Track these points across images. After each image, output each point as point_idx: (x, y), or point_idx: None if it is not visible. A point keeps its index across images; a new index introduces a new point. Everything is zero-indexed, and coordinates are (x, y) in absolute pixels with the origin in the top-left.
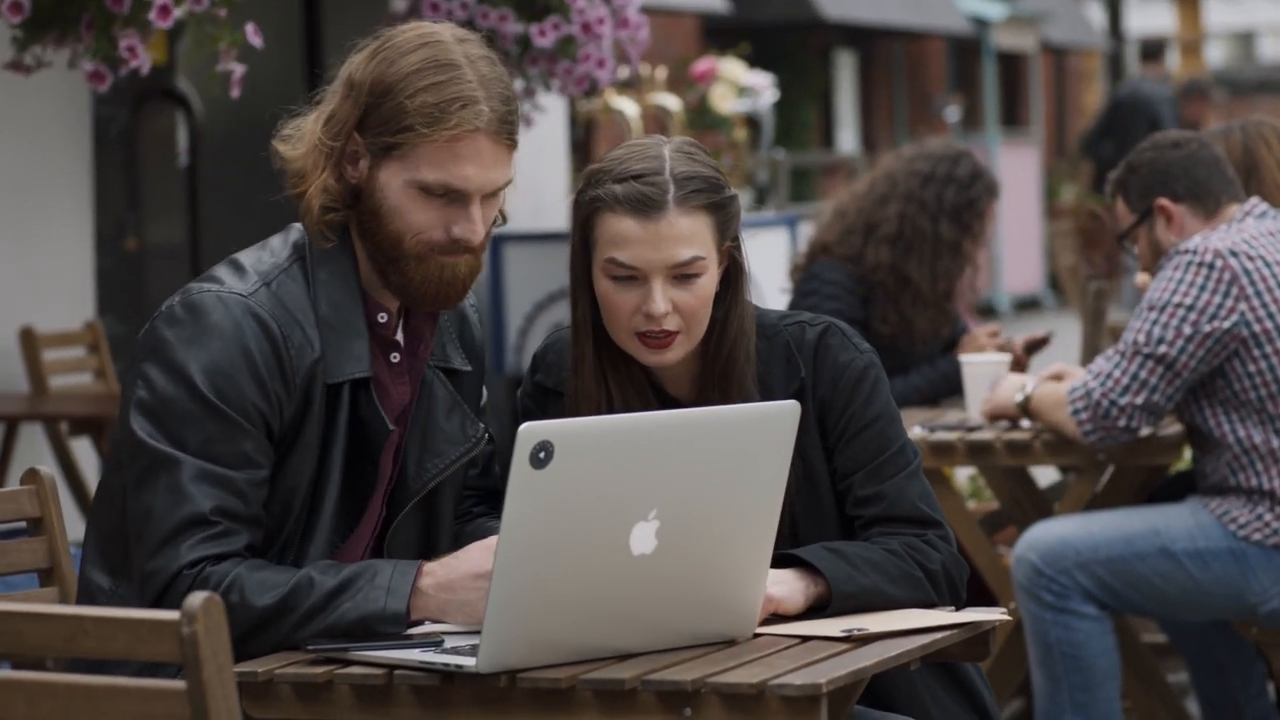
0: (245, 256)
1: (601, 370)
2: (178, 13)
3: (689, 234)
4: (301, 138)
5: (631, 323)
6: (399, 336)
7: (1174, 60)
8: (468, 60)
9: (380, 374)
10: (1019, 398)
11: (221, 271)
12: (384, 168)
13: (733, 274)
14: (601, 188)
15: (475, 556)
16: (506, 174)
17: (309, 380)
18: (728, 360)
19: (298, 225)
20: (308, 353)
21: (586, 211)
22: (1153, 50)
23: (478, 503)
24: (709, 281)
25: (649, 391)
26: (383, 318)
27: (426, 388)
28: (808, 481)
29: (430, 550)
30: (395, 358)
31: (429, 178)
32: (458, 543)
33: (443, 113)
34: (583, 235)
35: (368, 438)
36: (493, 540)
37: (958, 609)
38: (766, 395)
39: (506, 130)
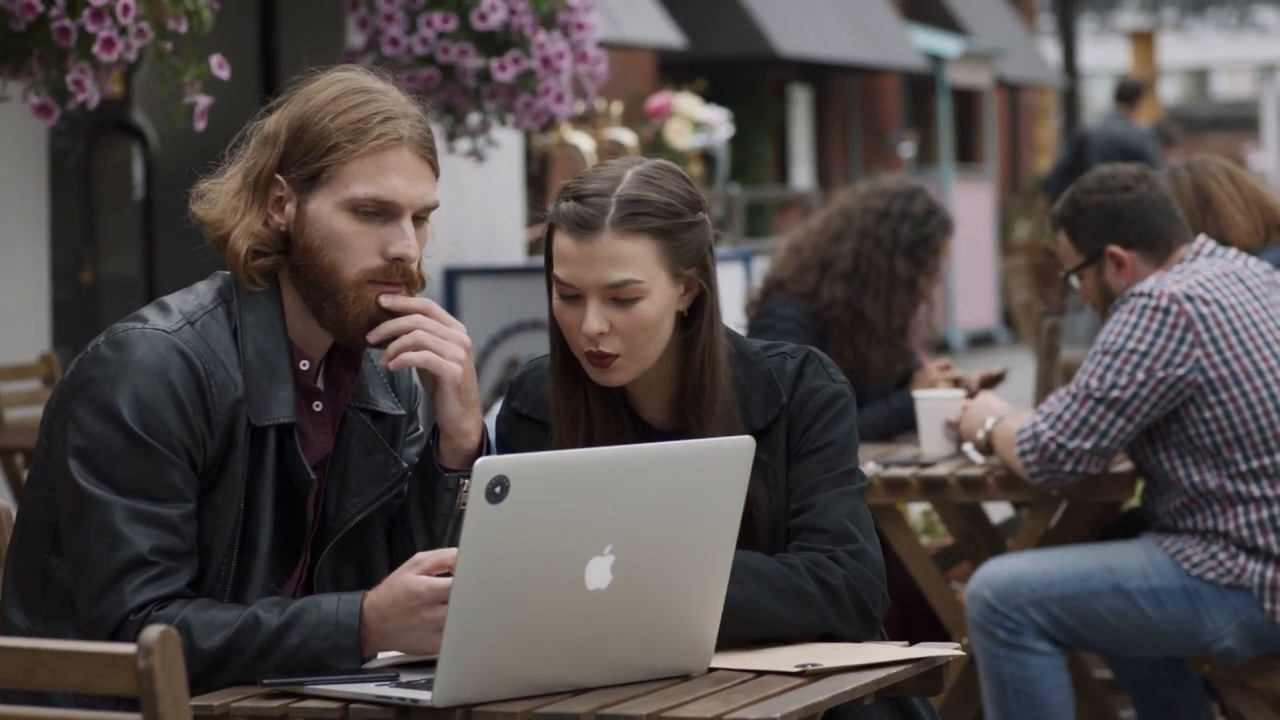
0: (171, 299)
1: (581, 386)
2: (121, 47)
3: (623, 257)
4: (218, 196)
5: (578, 341)
6: (319, 384)
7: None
8: (382, 89)
9: (303, 423)
10: (980, 435)
11: (146, 311)
12: (312, 199)
13: (701, 300)
14: (557, 204)
15: (402, 581)
16: (433, 192)
17: (231, 419)
18: (697, 387)
19: (224, 273)
20: (230, 391)
21: (547, 227)
22: (1130, 92)
23: None
24: (650, 306)
25: (624, 413)
26: (304, 365)
27: (346, 429)
28: (776, 505)
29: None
30: (318, 406)
31: (359, 193)
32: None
33: (366, 126)
34: (546, 250)
35: (294, 484)
36: (420, 556)
37: (869, 629)
38: (745, 421)
39: (428, 149)
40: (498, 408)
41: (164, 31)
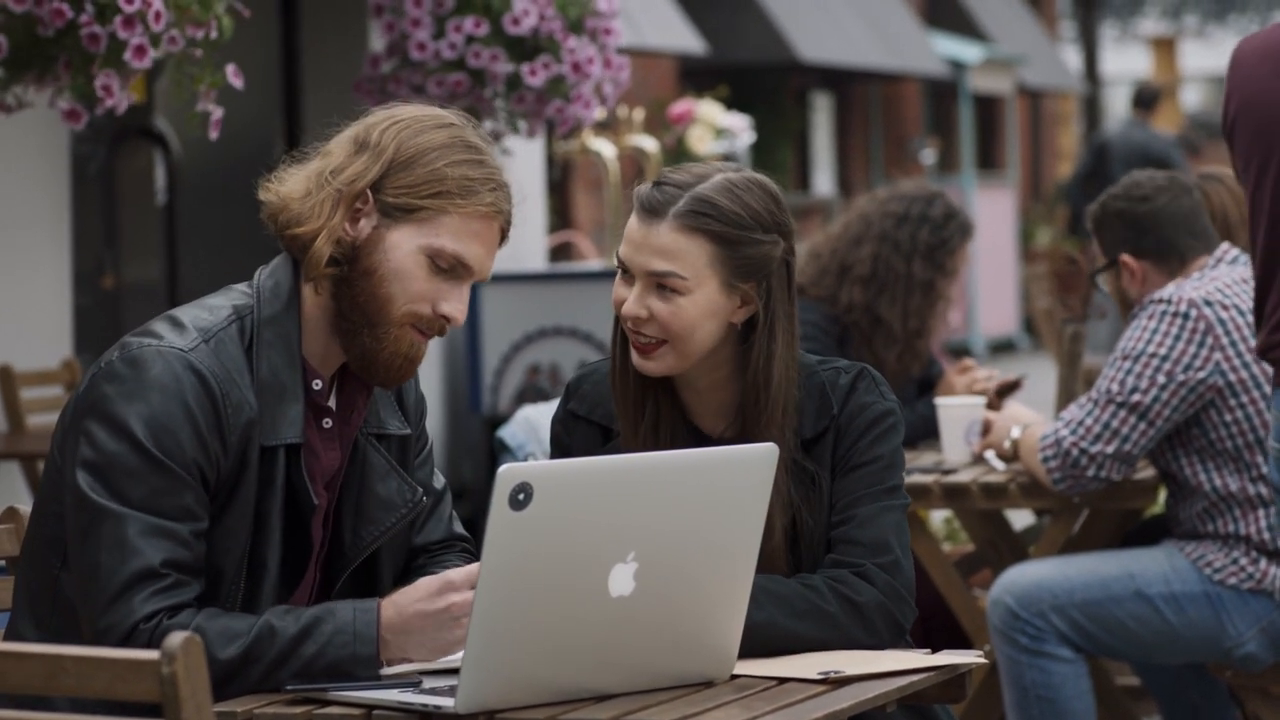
0: (184, 313)
1: (640, 384)
2: (154, 53)
3: (674, 250)
4: (296, 184)
5: (624, 320)
6: (331, 404)
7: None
8: (487, 151)
9: (311, 439)
10: (1006, 445)
11: (160, 327)
12: (397, 229)
13: (761, 318)
14: (640, 186)
15: (421, 590)
16: (491, 270)
17: (245, 440)
18: (754, 400)
19: (238, 286)
20: (245, 411)
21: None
22: (1148, 98)
23: (459, 552)
24: (690, 305)
25: (681, 419)
26: (316, 384)
27: (360, 455)
28: (822, 516)
29: None
30: (327, 423)
31: (448, 246)
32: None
33: (478, 189)
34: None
35: (300, 504)
36: (445, 574)
37: (897, 643)
38: (798, 434)
39: (509, 226)
40: (553, 407)
41: (192, 39)
